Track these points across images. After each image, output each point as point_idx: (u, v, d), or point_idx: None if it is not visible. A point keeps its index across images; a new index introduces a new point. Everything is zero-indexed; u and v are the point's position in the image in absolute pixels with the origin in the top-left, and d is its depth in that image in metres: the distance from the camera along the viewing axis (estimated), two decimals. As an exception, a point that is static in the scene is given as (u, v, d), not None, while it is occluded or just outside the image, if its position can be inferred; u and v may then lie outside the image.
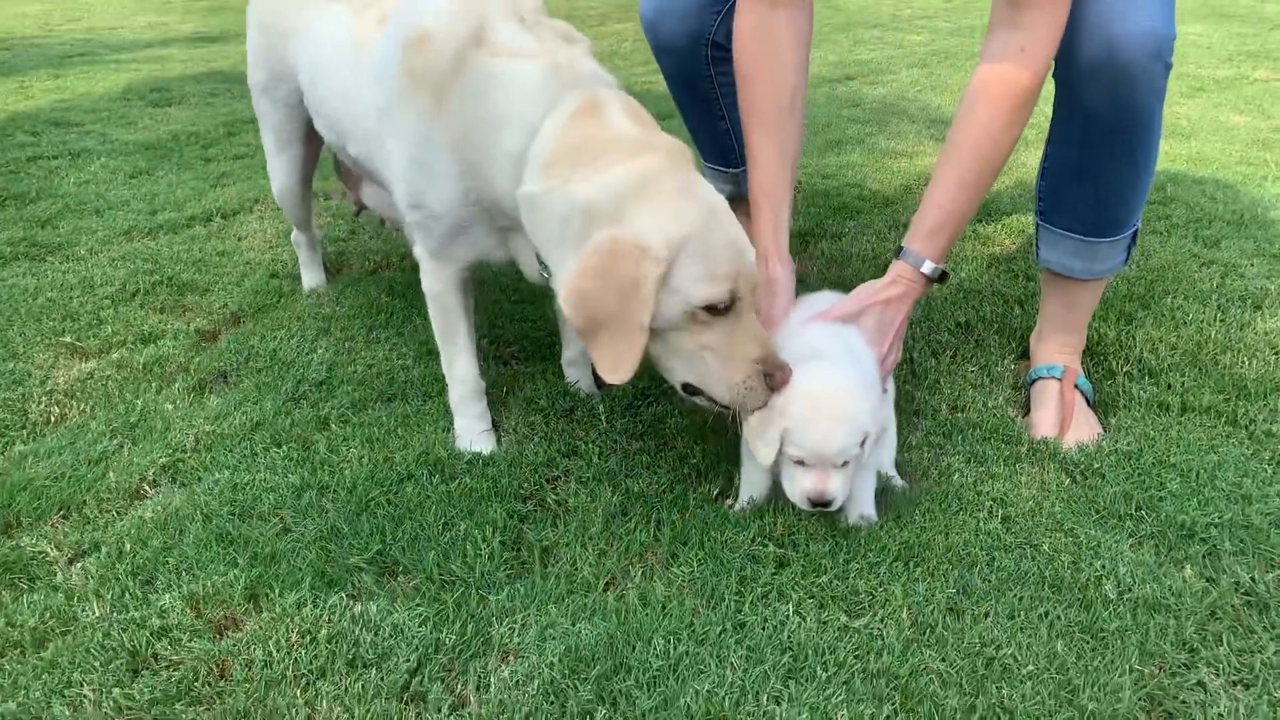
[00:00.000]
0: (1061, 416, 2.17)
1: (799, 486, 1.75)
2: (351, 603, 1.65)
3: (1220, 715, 1.43)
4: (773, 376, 1.72)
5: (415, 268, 2.10)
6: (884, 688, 1.46)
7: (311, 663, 1.51)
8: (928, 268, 1.96)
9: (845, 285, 2.78)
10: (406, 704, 1.46)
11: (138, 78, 6.20)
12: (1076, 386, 2.23)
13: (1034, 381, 2.29)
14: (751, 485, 1.93)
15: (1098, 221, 2.12)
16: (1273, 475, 1.97)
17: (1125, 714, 1.42)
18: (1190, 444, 2.07)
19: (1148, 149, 2.02)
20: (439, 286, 2.05)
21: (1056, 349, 2.31)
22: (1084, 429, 2.16)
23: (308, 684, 1.48)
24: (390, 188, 2.01)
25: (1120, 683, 1.47)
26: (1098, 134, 2.00)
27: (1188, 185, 3.79)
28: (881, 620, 1.60)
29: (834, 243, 3.25)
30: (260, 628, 1.58)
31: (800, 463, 1.74)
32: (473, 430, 2.12)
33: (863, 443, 1.74)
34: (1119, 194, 2.08)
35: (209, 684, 1.49)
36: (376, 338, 2.58)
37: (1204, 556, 1.75)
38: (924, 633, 1.58)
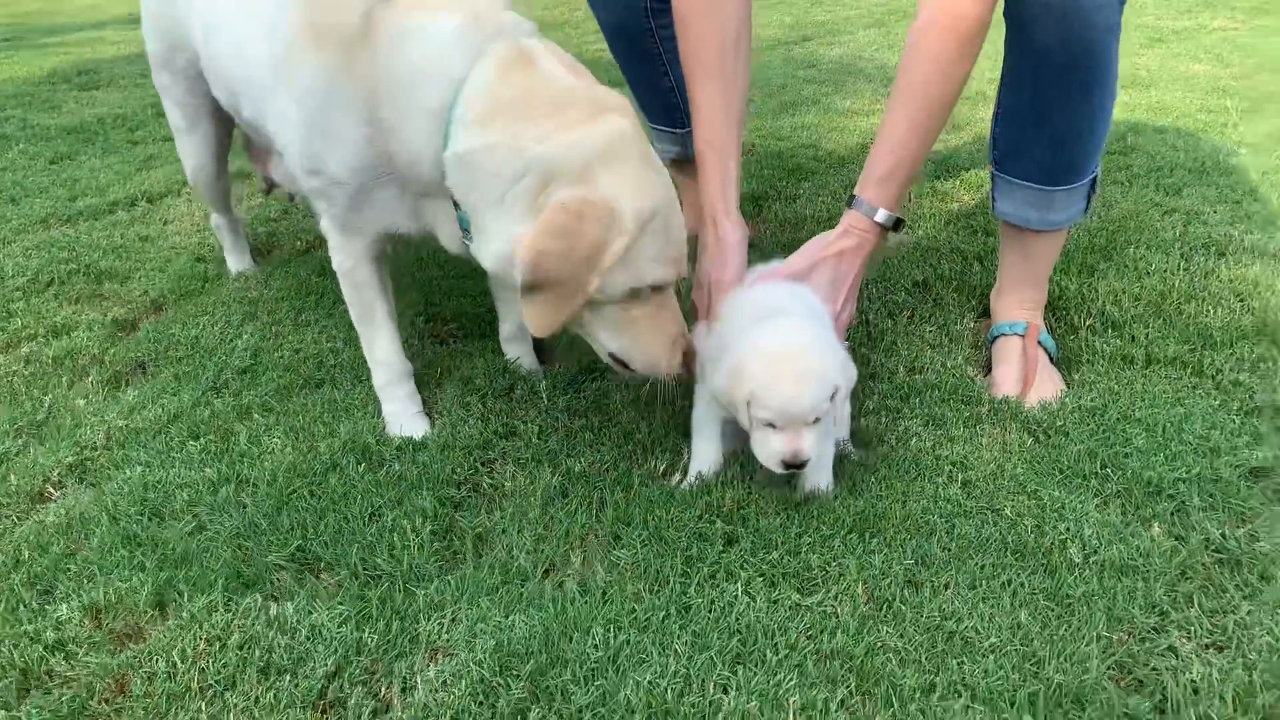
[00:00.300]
0: (1024, 374, 2.08)
1: (771, 449, 1.64)
2: (268, 604, 1.53)
3: (1193, 681, 1.34)
4: (687, 354, 1.75)
5: None
6: (838, 669, 1.37)
7: (219, 672, 1.39)
8: (881, 216, 1.85)
9: (796, 248, 2.68)
10: (323, 712, 1.35)
11: (65, 61, 5.95)
12: (1039, 343, 2.14)
13: (995, 339, 2.19)
14: (701, 459, 1.82)
15: (1055, 167, 2.02)
16: (1241, 426, 1.89)
17: (1094, 685, 1.33)
18: (1156, 397, 1.99)
19: (1104, 88, 1.92)
20: (349, 262, 1.91)
21: (1017, 305, 2.22)
22: (1047, 386, 2.07)
23: (214, 696, 1.36)
24: (284, 152, 1.85)
25: (1087, 652, 1.39)
26: (1051, 74, 1.89)
27: (1148, 134, 3.71)
28: (835, 597, 1.50)
29: (788, 205, 3.13)
30: (165, 636, 1.45)
31: (770, 425, 1.63)
32: (403, 414, 2.00)
33: (832, 397, 1.64)
34: (1076, 136, 1.98)
35: (106, 701, 1.36)
36: (305, 320, 2.44)
37: (1172, 514, 1.67)
38: (880, 608, 1.48)
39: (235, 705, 1.34)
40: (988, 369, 2.17)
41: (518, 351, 2.24)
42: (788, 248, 2.63)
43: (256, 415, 2.04)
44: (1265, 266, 2.52)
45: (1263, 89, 4.42)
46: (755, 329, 1.69)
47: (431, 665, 1.42)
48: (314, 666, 1.40)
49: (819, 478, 1.75)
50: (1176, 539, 1.62)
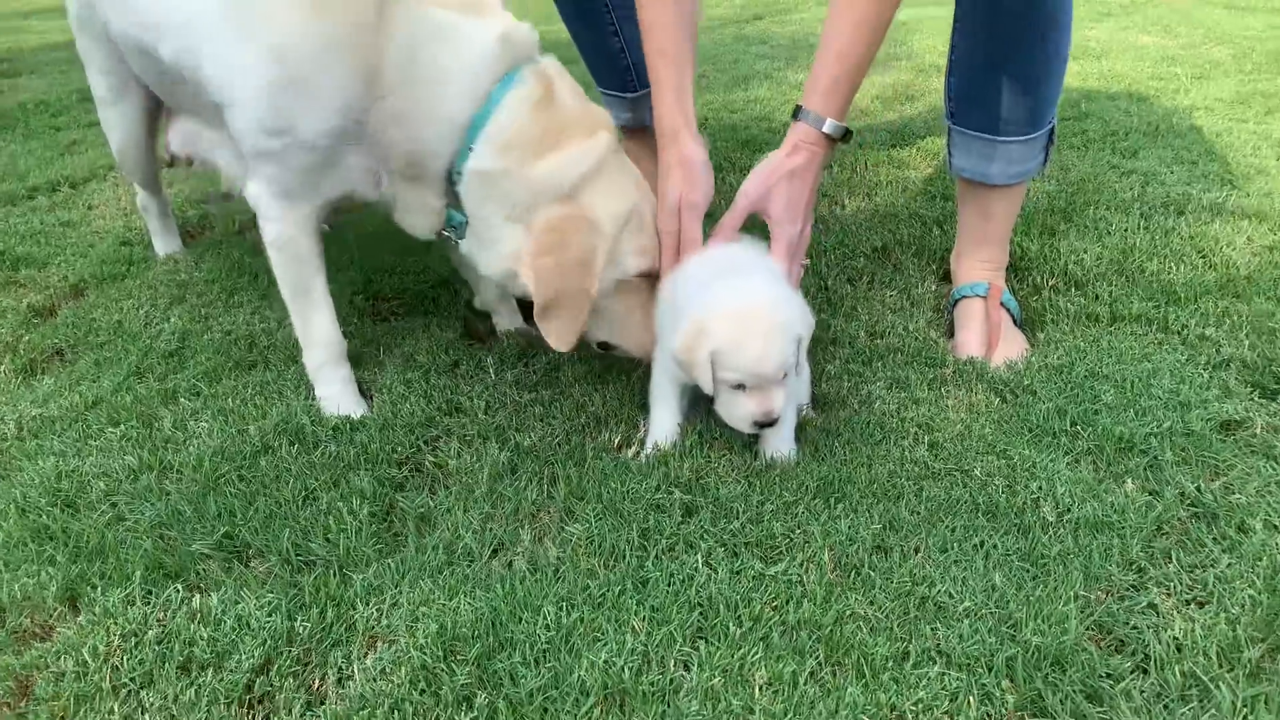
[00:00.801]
0: (988, 335, 2.02)
1: (741, 411, 1.57)
2: (190, 596, 1.41)
3: (1176, 638, 1.28)
4: None
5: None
6: (806, 640, 1.28)
7: (134, 670, 1.27)
8: (829, 126, 1.73)
9: (750, 219, 2.60)
10: (249, 707, 1.23)
11: (-11, 51, 5.70)
12: (1002, 304, 2.08)
13: (957, 301, 2.13)
14: (659, 428, 1.73)
15: (1011, 116, 1.95)
16: (1210, 379, 1.84)
17: (1073, 646, 1.26)
18: (1123, 353, 1.93)
19: (1059, 31, 1.86)
20: (290, 231, 1.79)
21: (978, 265, 2.16)
22: (1012, 347, 2.01)
23: (128, 695, 1.24)
24: (227, 109, 1.70)
25: (1065, 612, 1.31)
26: (1005, 17, 1.82)
27: (1101, 101, 3.69)
28: (801, 565, 1.42)
29: (742, 176, 3.02)
30: (75, 634, 1.33)
31: (738, 386, 1.56)
32: (339, 397, 1.87)
33: (798, 348, 1.58)
34: (1032, 82, 1.91)
35: (8, 705, 1.24)
36: (238, 302, 2.31)
37: (1145, 469, 1.61)
38: (848, 575, 1.40)
39: (151, 705, 1.22)
40: (950, 333, 2.11)
41: (505, 309, 2.19)
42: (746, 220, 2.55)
43: (183, 399, 1.91)
44: (1224, 223, 2.49)
45: (1210, 57, 4.43)
46: (712, 288, 1.61)
47: (370, 653, 1.31)
48: (240, 660, 1.28)
49: (781, 443, 1.67)
50: (1151, 494, 1.56)
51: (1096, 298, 2.16)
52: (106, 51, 2.18)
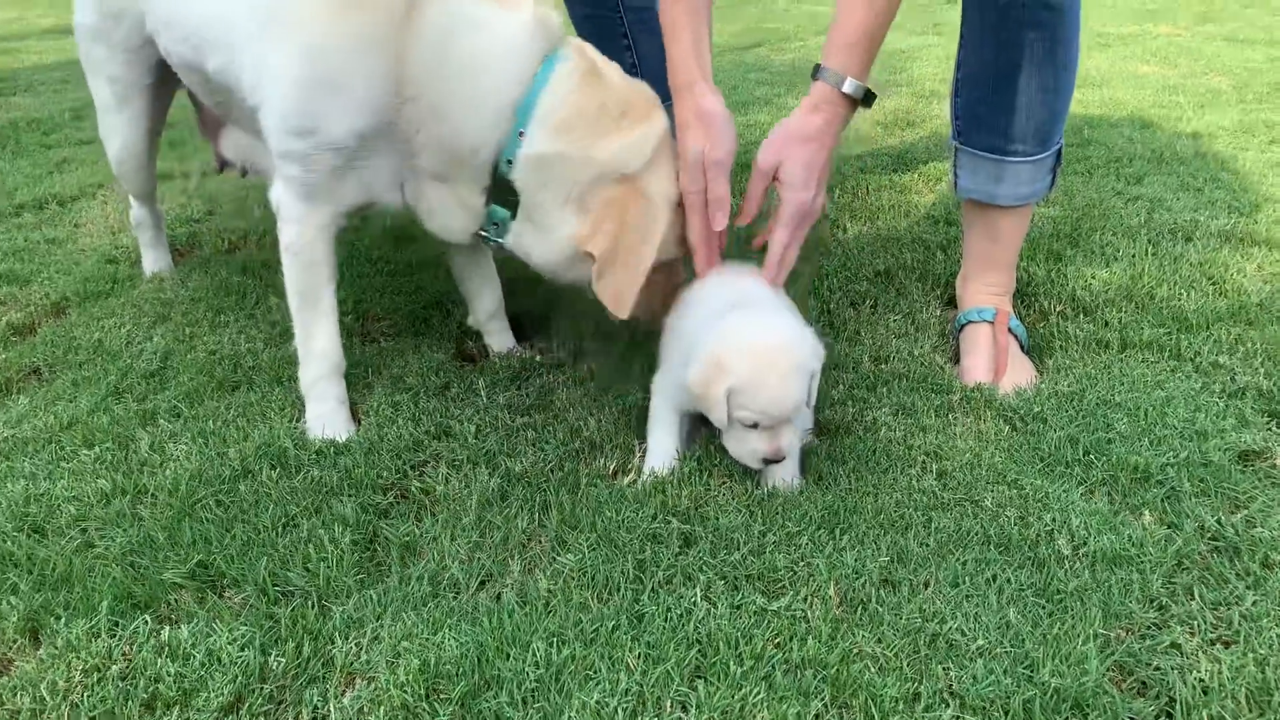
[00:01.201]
0: (995, 361, 1.96)
1: (751, 448, 1.54)
2: (159, 628, 1.33)
3: (1202, 680, 1.21)
4: None
5: (277, 243, 1.78)
6: (811, 679, 1.21)
7: (95, 708, 1.19)
8: (850, 86, 1.63)
9: (751, 240, 2.55)
10: (217, 750, 1.16)
11: (-16, 71, 5.67)
12: (1009, 330, 2.02)
13: (963, 327, 2.07)
14: (657, 454, 1.66)
15: (1020, 134, 1.91)
16: (1226, 408, 1.78)
17: (1094, 688, 1.19)
18: (1135, 381, 1.87)
19: (1067, 47, 1.81)
20: (308, 235, 1.74)
21: (985, 290, 2.10)
22: (1019, 374, 1.95)
23: (87, 735, 1.16)
24: (259, 109, 1.68)
25: (1085, 651, 1.24)
26: (1011, 32, 1.78)
27: (1104, 129, 3.66)
28: (805, 600, 1.35)
29: (738, 198, 2.99)
30: (34, 668, 1.25)
31: (752, 424, 1.52)
32: (330, 416, 1.81)
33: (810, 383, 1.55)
34: (1039, 98, 1.87)
35: (-43, 746, 1.16)
36: (223, 321, 2.25)
37: (1163, 500, 1.55)
38: (855, 611, 1.33)
39: (111, 746, 1.14)
40: (956, 359, 2.05)
41: (497, 326, 2.14)
42: (743, 240, 2.51)
43: (162, 421, 1.84)
44: (1234, 250, 2.44)
45: (1211, 86, 4.42)
46: (728, 321, 1.57)
47: (348, 691, 1.23)
48: (208, 697, 1.20)
49: (786, 473, 1.60)
50: (1170, 527, 1.49)
51: (1106, 324, 2.10)
52: (122, 60, 2.15)
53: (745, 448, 1.55)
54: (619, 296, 1.68)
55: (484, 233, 1.79)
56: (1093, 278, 2.29)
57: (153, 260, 2.56)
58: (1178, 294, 2.21)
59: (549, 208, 1.69)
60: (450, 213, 1.77)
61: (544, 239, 1.73)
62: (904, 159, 3.38)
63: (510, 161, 1.66)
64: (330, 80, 1.60)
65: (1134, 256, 2.40)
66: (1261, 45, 5.56)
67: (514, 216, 1.73)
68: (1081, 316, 2.15)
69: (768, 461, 1.55)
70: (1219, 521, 1.49)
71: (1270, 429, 1.73)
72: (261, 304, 2.32)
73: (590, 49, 1.72)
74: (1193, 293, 2.21)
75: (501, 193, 1.71)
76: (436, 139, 1.67)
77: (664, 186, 1.68)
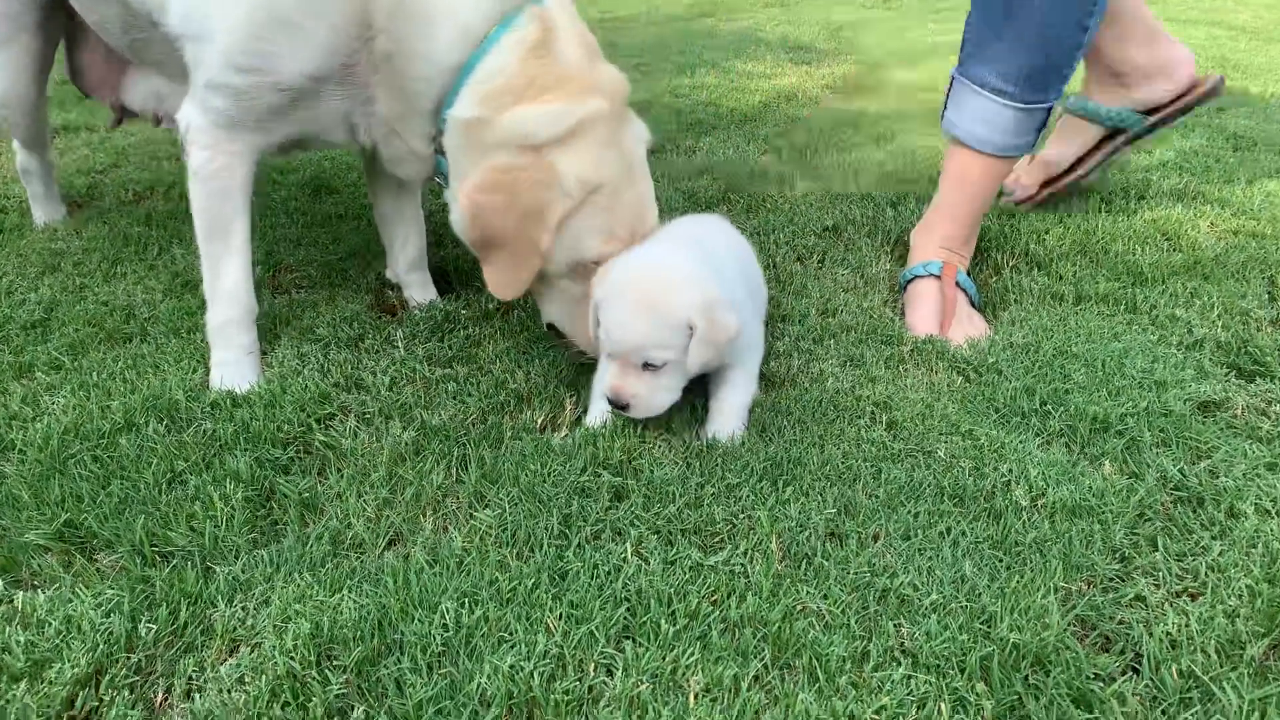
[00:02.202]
0: (942, 312, 1.86)
1: (602, 380, 1.47)
2: (14, 592, 1.17)
3: (1169, 634, 1.11)
4: None
5: (185, 194, 1.61)
6: (750, 638, 1.09)
7: (-74, 682, 1.02)
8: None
9: (694, 197, 2.44)
10: (68, 727, 1.00)
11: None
12: (958, 284, 1.93)
13: (908, 283, 1.97)
14: (593, 417, 1.54)
15: (1020, 74, 1.83)
16: (1184, 360, 1.70)
17: (1055, 643, 1.09)
18: (1091, 333, 1.79)
19: None
20: (220, 160, 1.57)
21: (938, 243, 2.00)
22: (971, 327, 1.86)
23: (-87, 714, 1.00)
24: (192, 40, 1.52)
25: (1045, 605, 1.14)
26: None
27: (1053, 96, 3.61)
28: (744, 554, 1.23)
29: (688, 156, 2.88)
30: None
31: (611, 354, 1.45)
32: (235, 365, 1.64)
33: (687, 344, 1.40)
34: (1048, 36, 1.80)
35: None
36: (120, 272, 2.06)
37: (1123, 450, 1.46)
38: (798, 565, 1.22)
39: (-58, 725, 0.98)
40: (903, 315, 1.95)
41: (417, 278, 1.99)
42: (687, 195, 2.39)
43: (39, 373, 1.66)
44: (1187, 208, 2.38)
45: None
46: (636, 249, 1.50)
47: (228, 659, 1.08)
48: (62, 669, 1.05)
49: (725, 422, 1.48)
50: (1131, 477, 1.40)
51: (1060, 278, 2.02)
52: None
53: (600, 378, 1.46)
54: (500, 281, 1.56)
55: (438, 179, 1.67)
56: (1046, 233, 2.21)
57: (44, 210, 2.35)
58: (1132, 249, 2.14)
59: (460, 170, 1.56)
60: (404, 160, 1.66)
61: (453, 201, 1.60)
62: (854, 121, 3.29)
63: (444, 120, 1.54)
64: (288, 18, 1.45)
65: (1086, 213, 2.33)
66: (1204, 25, 5.60)
67: None
68: (1036, 270, 2.07)
69: (611, 402, 1.44)
70: (1181, 471, 1.40)
71: (1230, 380, 1.66)
72: (164, 254, 2.13)
73: (563, 15, 1.57)
74: (1147, 248, 2.14)
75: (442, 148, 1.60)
76: (391, 84, 1.54)
77: (578, 166, 1.50)
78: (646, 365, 1.42)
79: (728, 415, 1.50)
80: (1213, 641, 1.10)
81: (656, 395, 1.43)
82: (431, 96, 1.54)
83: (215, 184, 1.59)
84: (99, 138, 3.08)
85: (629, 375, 1.42)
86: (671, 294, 1.40)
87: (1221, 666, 1.07)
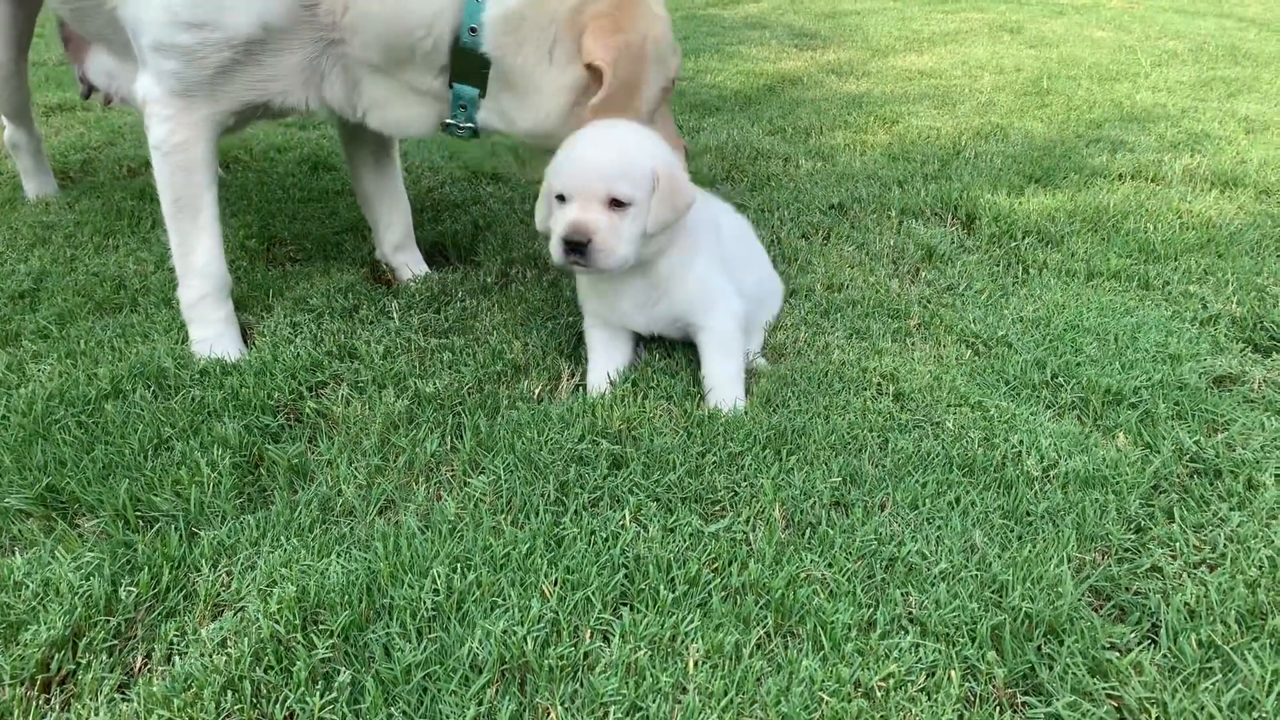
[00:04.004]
0: None
1: (559, 224, 1.39)
2: (-9, 557, 1.13)
3: (1188, 604, 1.07)
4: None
5: None
6: (752, 605, 1.05)
7: (-103, 644, 0.99)
8: None
9: (697, 177, 2.39)
10: (43, 689, 0.96)
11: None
12: None
13: None
14: (591, 379, 1.50)
15: None
16: (1199, 334, 1.66)
17: (1070, 613, 1.05)
18: (1104, 307, 1.75)
19: None
20: (181, 134, 1.50)
21: None
22: None
23: (-119, 675, 0.96)
24: (127, 2, 1.46)
25: (1058, 575, 1.10)
26: None
27: (1062, 81, 3.56)
28: (747, 522, 1.19)
29: (690, 136, 2.84)
30: None
31: (561, 198, 1.40)
32: (214, 340, 1.60)
33: (649, 198, 1.38)
34: None
35: None
36: (113, 245, 2.02)
37: (1137, 422, 1.42)
38: (802, 533, 1.18)
39: (-89, 687, 0.95)
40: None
41: (405, 259, 1.93)
42: (691, 176, 2.35)
43: (26, 341, 1.62)
44: (1200, 187, 2.34)
45: (1167, 48, 4.36)
46: None
47: (211, 623, 1.05)
48: (38, 631, 1.01)
49: (726, 391, 1.44)
50: (1145, 448, 1.36)
51: (1072, 254, 1.98)
52: None
53: (556, 228, 1.38)
54: (629, 107, 1.50)
55: (449, 120, 1.56)
56: (1057, 210, 2.17)
57: (35, 185, 2.31)
58: (1144, 226, 2.10)
59: (531, 66, 1.47)
60: (405, 105, 1.54)
61: (532, 101, 1.51)
62: (858, 103, 3.24)
63: (475, 29, 1.44)
64: None
65: (1098, 191, 2.29)
66: (1212, 16, 5.55)
67: (484, 92, 1.51)
68: (1048, 247, 2.03)
69: (569, 246, 1.35)
70: (1197, 443, 1.36)
71: (1246, 354, 1.62)
72: (157, 228, 2.09)
73: None
74: (1160, 225, 2.10)
75: (465, 68, 1.48)
76: (371, 21, 1.43)
77: (657, 32, 1.53)
78: (613, 204, 1.36)
79: (721, 384, 1.45)
80: (1233, 612, 1.06)
81: (618, 239, 1.36)
82: (445, 15, 1.44)
83: (178, 158, 1.53)
84: (95, 116, 3.04)
85: (592, 210, 1.36)
86: (640, 144, 1.42)
87: (1243, 636, 1.03)
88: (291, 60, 1.48)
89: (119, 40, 1.61)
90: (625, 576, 1.09)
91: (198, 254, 1.59)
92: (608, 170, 1.35)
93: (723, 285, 1.48)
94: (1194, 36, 4.72)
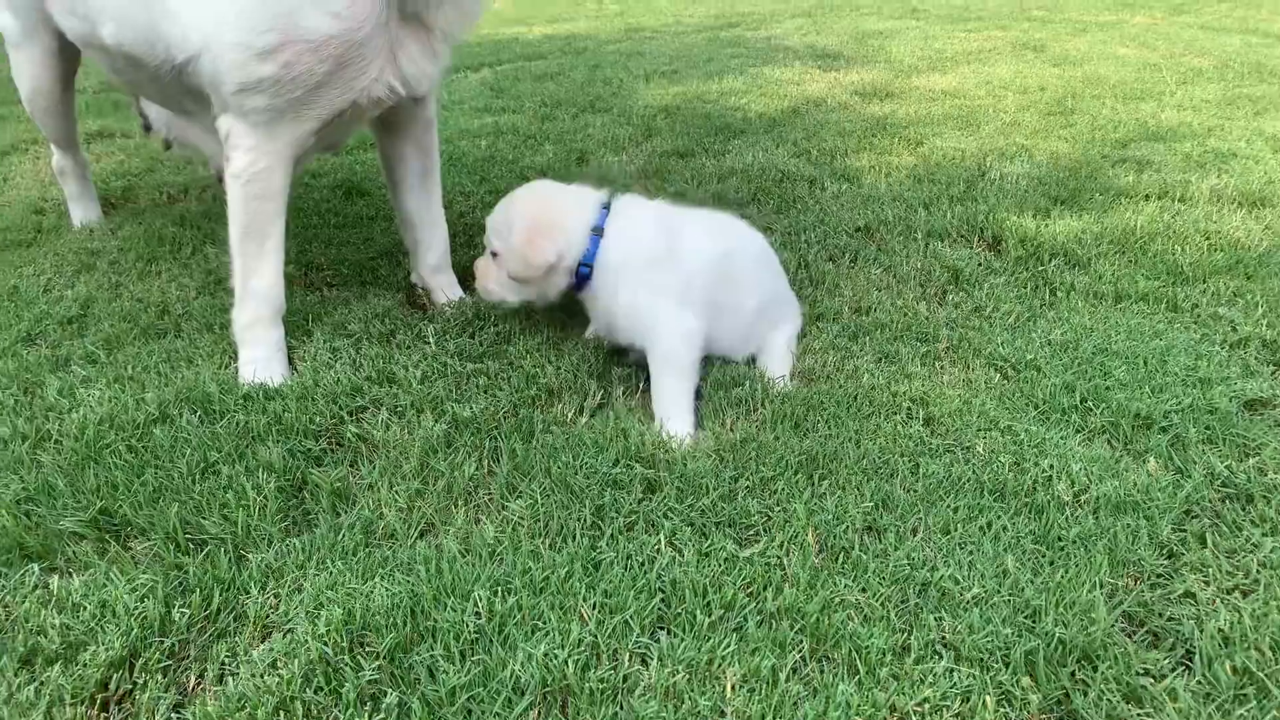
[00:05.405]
0: None
1: None
2: (48, 578, 1.17)
3: (1221, 630, 1.08)
4: None
5: (217, 196, 1.61)
6: (787, 630, 1.07)
7: (-38, 663, 1.03)
8: None
9: (723, 198, 2.43)
10: (102, 708, 1.00)
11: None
12: None
13: None
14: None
15: None
16: (1229, 358, 1.67)
17: (1104, 639, 1.06)
18: (1132, 330, 1.76)
19: None
20: (263, 163, 1.55)
21: None
22: None
23: (-52, 694, 1.00)
24: (199, 58, 1.49)
25: (1091, 600, 1.12)
26: None
27: (1086, 100, 3.57)
28: (781, 546, 1.21)
29: (716, 159, 2.87)
30: (-104, 621, 1.08)
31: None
32: (264, 362, 1.64)
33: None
34: None
35: None
36: (154, 270, 2.07)
37: (1168, 447, 1.42)
38: (836, 558, 1.19)
39: (-23, 705, 0.98)
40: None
41: (442, 281, 1.96)
42: (717, 198, 2.38)
43: (76, 366, 1.67)
44: (1228, 208, 2.34)
45: (1192, 66, 4.35)
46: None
47: (261, 644, 1.08)
48: (96, 652, 1.04)
49: (661, 408, 1.50)
50: (1176, 473, 1.37)
51: (1099, 276, 1.98)
52: None
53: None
54: None
55: None
56: (1084, 232, 2.18)
57: (81, 211, 2.38)
58: (1172, 248, 2.10)
59: None
60: (420, 58, 1.56)
61: None
62: (883, 125, 3.27)
63: None
64: None
65: (1125, 213, 2.29)
66: (1237, 33, 5.53)
67: None
68: (1075, 269, 2.04)
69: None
70: (1229, 468, 1.37)
71: (1277, 378, 1.62)
72: (198, 253, 2.15)
73: None
74: (1187, 247, 2.10)
75: None
76: None
77: None
78: (495, 254, 1.65)
79: (659, 403, 1.50)
80: (1267, 638, 1.07)
81: (487, 279, 1.68)
82: None
83: (256, 186, 1.57)
84: (134, 143, 3.12)
85: (484, 259, 1.69)
86: (520, 203, 1.63)
87: (1277, 663, 1.04)
88: (375, 48, 1.49)
89: (173, 100, 1.65)
90: (662, 600, 1.12)
91: (261, 276, 1.63)
92: (489, 224, 1.67)
93: (664, 308, 1.52)
94: (1219, 53, 4.71)
